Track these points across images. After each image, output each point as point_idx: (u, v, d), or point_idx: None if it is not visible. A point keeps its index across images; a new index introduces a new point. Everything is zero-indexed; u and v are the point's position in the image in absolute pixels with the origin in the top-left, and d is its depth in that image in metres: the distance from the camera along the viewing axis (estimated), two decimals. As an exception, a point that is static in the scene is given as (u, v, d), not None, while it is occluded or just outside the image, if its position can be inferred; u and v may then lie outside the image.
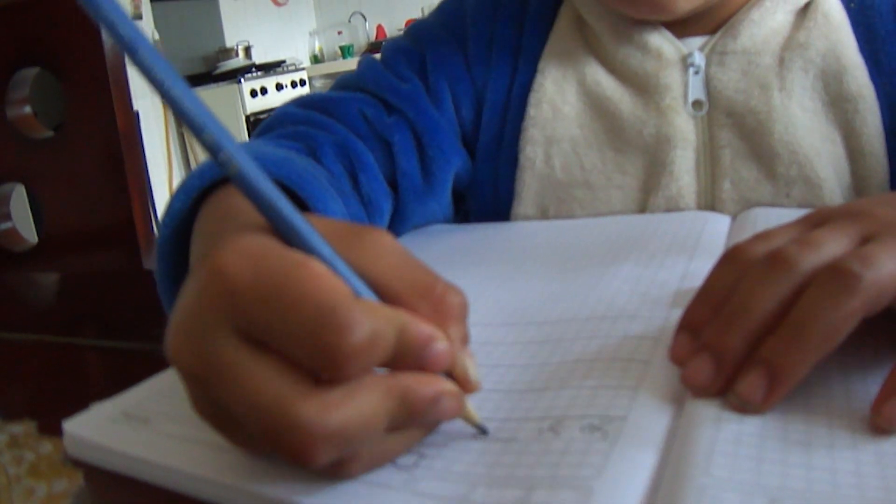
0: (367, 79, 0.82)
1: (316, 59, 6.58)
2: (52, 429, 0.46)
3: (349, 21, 6.58)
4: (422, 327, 0.34)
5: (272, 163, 0.56)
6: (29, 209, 1.35)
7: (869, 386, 0.36)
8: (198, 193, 0.52)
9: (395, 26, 6.31)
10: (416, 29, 0.90)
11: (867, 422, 0.34)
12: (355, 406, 0.31)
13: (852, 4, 0.75)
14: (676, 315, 0.43)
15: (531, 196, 0.81)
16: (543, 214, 0.81)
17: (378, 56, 0.88)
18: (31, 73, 1.21)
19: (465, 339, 0.37)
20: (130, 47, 0.32)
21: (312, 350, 0.31)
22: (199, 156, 5.24)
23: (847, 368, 0.38)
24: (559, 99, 0.80)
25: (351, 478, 0.35)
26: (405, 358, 0.34)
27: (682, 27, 0.78)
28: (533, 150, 0.80)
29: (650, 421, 0.36)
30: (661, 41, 0.77)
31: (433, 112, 0.81)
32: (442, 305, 0.36)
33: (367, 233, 0.37)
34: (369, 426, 0.32)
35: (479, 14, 0.87)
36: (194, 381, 0.34)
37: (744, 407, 0.36)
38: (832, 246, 0.39)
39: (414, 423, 0.35)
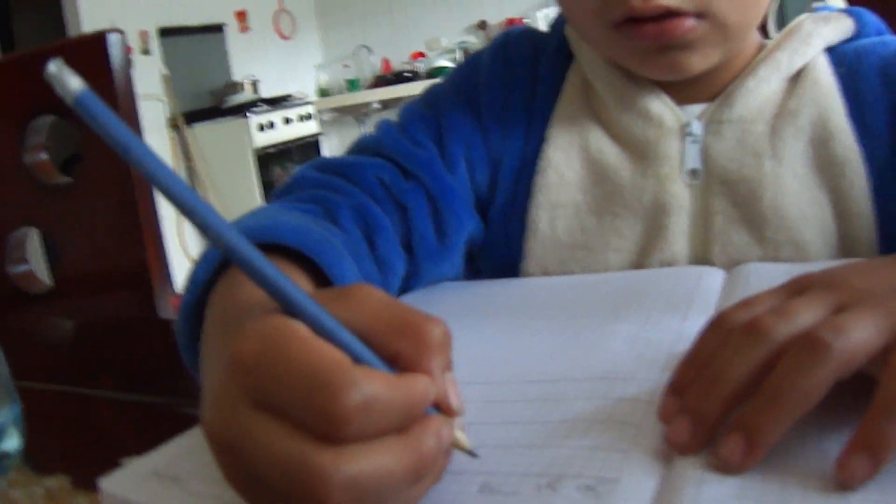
0: (384, 144, 0.85)
1: (323, 93, 6.63)
2: (85, 483, 0.48)
3: (355, 54, 6.63)
4: (420, 385, 0.38)
5: (289, 230, 0.59)
6: (44, 253, 1.38)
7: (841, 445, 0.38)
8: (219, 264, 0.56)
9: (400, 59, 6.36)
10: (431, 94, 0.93)
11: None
12: (371, 459, 0.35)
13: (841, 70, 0.80)
14: (667, 378, 0.47)
15: (536, 257, 0.84)
16: (545, 274, 0.84)
17: (395, 120, 0.91)
18: (47, 120, 1.24)
19: (447, 368, 0.41)
20: (124, 149, 0.36)
21: (312, 413, 0.35)
22: (214, 203, 5.27)
23: (821, 429, 0.41)
24: (564, 166, 0.84)
25: None
26: (414, 417, 0.37)
27: (683, 93, 0.82)
28: (538, 215, 0.84)
29: (640, 483, 0.40)
30: (663, 109, 0.81)
31: (448, 178, 0.84)
32: (422, 338, 0.40)
33: (351, 288, 0.42)
34: (390, 479, 0.36)
35: (493, 80, 0.90)
36: (223, 449, 0.38)
37: (724, 468, 0.39)
38: (806, 316, 0.42)
39: (426, 472, 0.38)
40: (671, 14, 0.72)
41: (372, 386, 0.35)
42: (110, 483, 0.48)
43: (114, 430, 0.70)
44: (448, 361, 0.41)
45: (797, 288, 0.46)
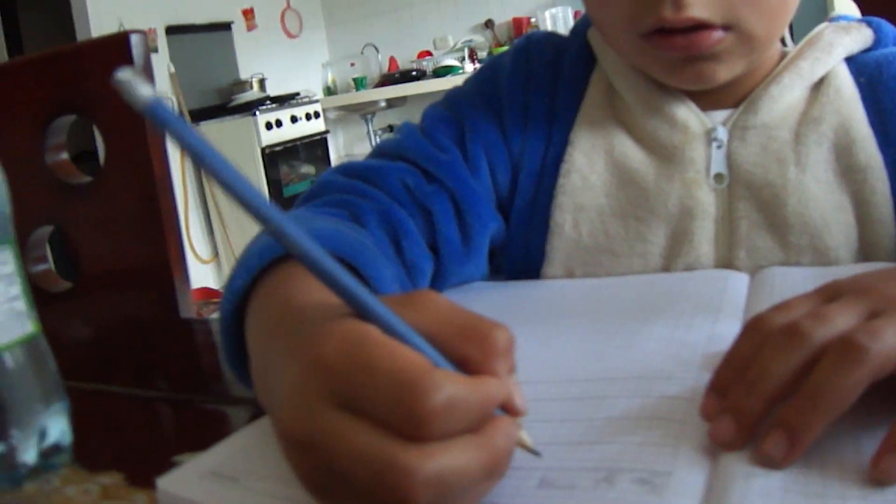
0: (407, 147, 0.87)
1: (329, 91, 6.63)
2: (140, 481, 0.49)
3: (362, 53, 6.63)
4: (495, 387, 0.40)
5: (324, 237, 0.61)
6: (61, 253, 1.39)
7: (875, 442, 0.41)
8: (257, 272, 0.58)
9: (407, 58, 6.36)
10: (453, 97, 0.95)
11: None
12: (452, 456, 0.37)
13: (862, 79, 0.82)
14: (706, 378, 0.49)
15: (559, 259, 0.86)
16: (569, 276, 0.86)
17: (417, 123, 0.92)
18: (68, 120, 1.25)
19: (511, 371, 0.43)
20: (198, 156, 0.37)
21: (399, 412, 0.37)
22: (220, 202, 5.28)
23: (857, 427, 0.43)
24: (588, 169, 0.85)
25: None
26: (488, 417, 0.39)
27: (707, 100, 0.83)
28: (562, 217, 0.85)
29: (691, 476, 0.42)
30: (688, 115, 0.83)
31: (471, 181, 0.86)
32: (488, 343, 0.41)
33: (417, 294, 0.44)
34: (466, 475, 0.37)
35: (514, 82, 0.92)
36: (304, 449, 0.39)
37: (767, 462, 0.41)
38: (842, 320, 0.45)
39: (497, 469, 0.40)
40: (700, 26, 0.73)
41: (454, 387, 0.37)
42: (167, 482, 0.49)
43: (152, 427, 0.71)
44: (512, 365, 0.43)
45: (830, 293, 0.49)
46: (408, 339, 0.40)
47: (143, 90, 0.36)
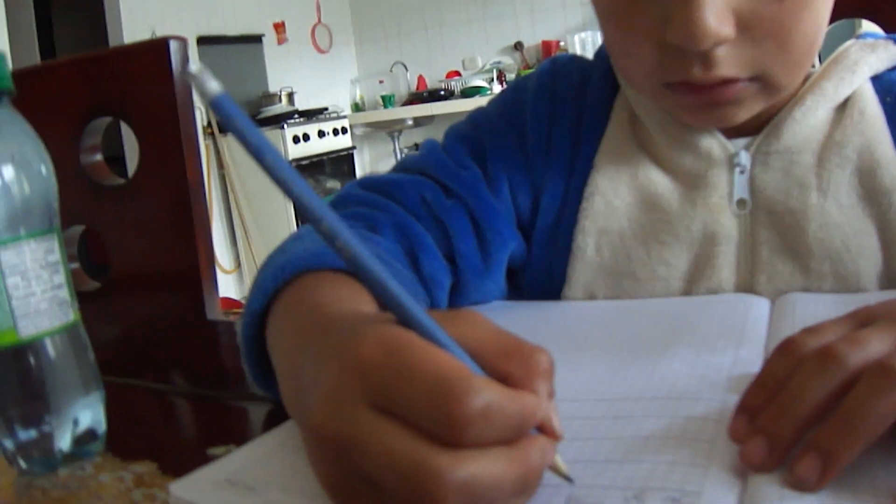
0: (428, 163, 0.88)
1: (357, 108, 6.67)
2: (173, 470, 0.50)
3: (391, 70, 6.67)
4: (532, 400, 0.40)
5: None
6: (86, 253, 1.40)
7: None
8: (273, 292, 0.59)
9: (435, 77, 6.39)
10: (477, 117, 0.95)
11: None
12: (483, 464, 0.37)
13: (888, 98, 0.81)
14: (733, 399, 0.49)
15: (580, 282, 0.86)
16: (590, 298, 0.86)
17: (440, 141, 0.94)
18: (104, 122, 1.27)
19: (551, 394, 0.43)
20: (258, 152, 0.38)
21: (436, 417, 0.37)
22: (245, 213, 5.30)
23: (889, 450, 0.43)
24: (611, 193, 0.85)
25: None
26: (524, 430, 0.40)
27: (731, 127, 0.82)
28: (584, 240, 0.86)
29: (721, 496, 0.42)
30: (711, 141, 0.82)
31: (490, 199, 0.87)
32: (530, 364, 0.41)
33: (462, 312, 0.44)
34: (496, 485, 0.37)
35: (538, 105, 0.92)
36: (335, 449, 0.40)
37: (801, 486, 0.41)
38: (877, 344, 0.45)
39: (528, 486, 0.40)
40: (727, 80, 0.73)
41: (492, 394, 0.37)
42: (180, 488, 0.49)
43: (182, 421, 0.72)
44: (552, 389, 0.43)
45: (862, 318, 0.49)
46: (449, 349, 0.41)
47: (212, 84, 0.38)
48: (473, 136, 0.92)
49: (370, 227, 0.77)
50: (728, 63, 0.71)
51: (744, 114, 0.77)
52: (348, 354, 0.40)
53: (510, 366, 0.41)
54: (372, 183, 0.86)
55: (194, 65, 0.37)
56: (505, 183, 0.89)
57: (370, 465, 0.38)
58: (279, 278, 0.58)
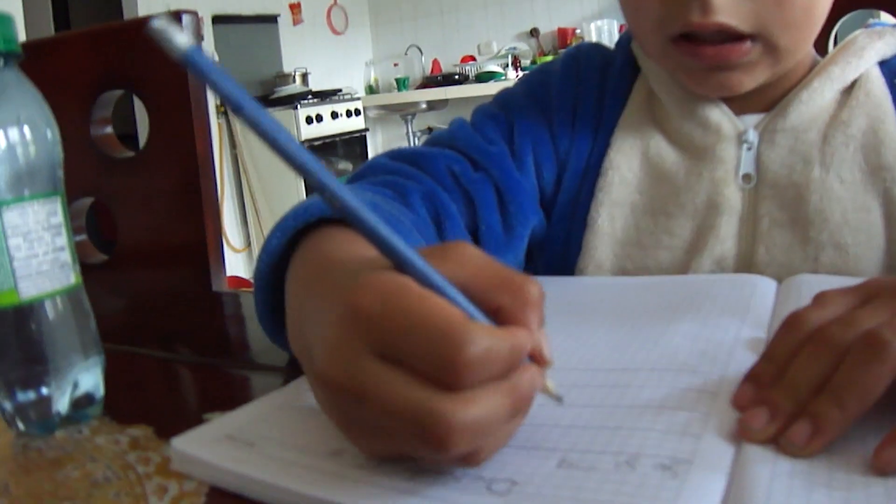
0: (457, 138, 0.90)
1: (371, 90, 6.67)
2: (168, 434, 0.50)
3: (406, 54, 6.66)
4: (522, 337, 0.41)
5: None
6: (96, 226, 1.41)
7: None
8: (293, 233, 0.59)
9: (450, 62, 6.38)
10: (503, 97, 0.98)
11: None
12: (485, 404, 0.38)
13: (895, 81, 0.83)
14: (732, 374, 0.51)
15: (591, 252, 0.88)
16: (599, 267, 0.88)
17: (468, 119, 0.96)
18: (114, 95, 1.27)
19: (541, 322, 0.44)
20: (236, 105, 0.38)
21: (437, 363, 0.38)
22: (256, 192, 5.31)
23: (881, 425, 0.43)
24: (625, 168, 0.88)
25: (478, 466, 0.42)
26: (515, 365, 0.41)
27: (740, 104, 0.85)
28: (598, 212, 0.88)
29: (713, 464, 0.42)
30: (721, 117, 0.85)
31: (516, 174, 0.89)
32: (521, 294, 0.42)
33: (452, 246, 0.45)
34: (497, 420, 0.39)
35: (564, 87, 0.95)
36: (343, 395, 0.41)
37: (789, 449, 0.42)
38: (872, 322, 0.45)
39: (520, 412, 0.42)
40: (728, 38, 0.76)
41: (489, 339, 0.38)
42: (182, 442, 0.50)
43: (181, 388, 0.73)
44: (542, 317, 0.44)
45: (868, 291, 0.50)
46: (443, 290, 0.41)
47: (179, 38, 0.35)
48: (501, 114, 0.94)
49: (400, 195, 0.78)
50: (726, 10, 0.74)
51: (748, 81, 0.79)
52: (347, 303, 0.40)
53: (502, 297, 0.42)
54: (401, 154, 0.88)
55: (157, 19, 0.34)
56: (531, 159, 0.91)
57: (378, 412, 0.39)
58: (300, 219, 0.59)
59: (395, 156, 0.87)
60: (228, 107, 0.37)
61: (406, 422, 0.38)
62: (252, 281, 0.64)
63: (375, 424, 0.40)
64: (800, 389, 0.45)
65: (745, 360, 0.53)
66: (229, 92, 0.37)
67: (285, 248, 0.59)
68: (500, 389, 0.39)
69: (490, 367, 0.39)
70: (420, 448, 0.39)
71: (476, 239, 0.84)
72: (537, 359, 0.43)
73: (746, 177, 0.83)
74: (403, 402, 0.38)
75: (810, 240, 0.80)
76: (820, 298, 0.51)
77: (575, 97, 0.94)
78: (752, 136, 0.83)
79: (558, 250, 0.91)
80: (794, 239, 0.80)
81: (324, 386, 0.42)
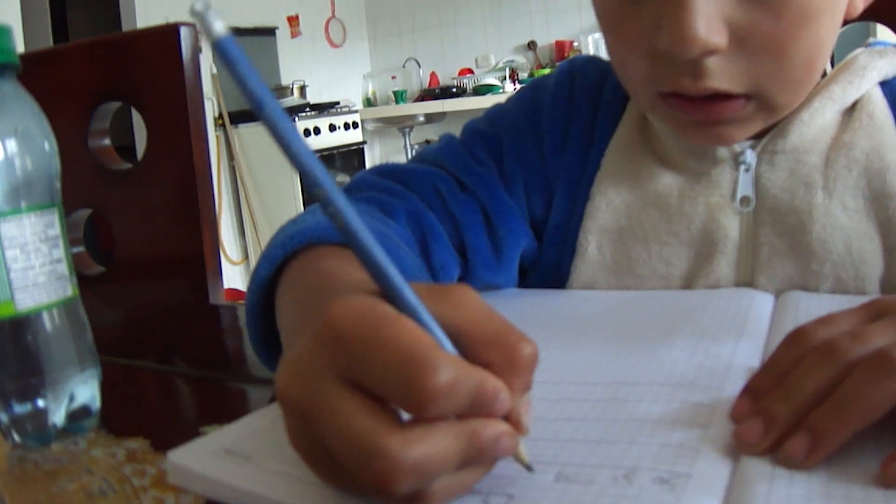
0: (445, 156, 0.89)
1: (369, 102, 6.67)
2: (165, 447, 0.50)
3: (403, 66, 6.67)
4: (492, 382, 0.39)
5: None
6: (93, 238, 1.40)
7: None
8: (280, 262, 0.59)
9: (448, 75, 6.39)
10: (495, 114, 0.95)
11: None
12: (432, 443, 0.37)
13: None
14: (730, 387, 0.50)
15: (583, 280, 0.86)
16: None
17: (457, 135, 0.94)
18: (112, 107, 1.27)
19: (526, 388, 0.42)
20: (258, 103, 0.37)
21: (401, 389, 0.37)
22: (254, 205, 5.31)
23: (882, 440, 0.43)
24: (613, 192, 0.85)
25: None
26: (477, 407, 0.39)
27: None
28: (587, 239, 0.86)
29: (712, 478, 0.42)
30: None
31: (505, 196, 0.87)
32: (513, 355, 0.40)
33: (453, 289, 0.43)
34: (443, 463, 0.37)
35: (556, 106, 0.92)
36: (297, 415, 0.40)
37: (787, 462, 0.42)
38: (879, 339, 0.45)
39: (479, 461, 0.40)
40: (720, 95, 0.72)
41: (455, 371, 0.37)
42: (178, 456, 0.49)
43: (178, 401, 0.73)
44: (529, 382, 0.42)
45: (875, 310, 0.49)
46: (427, 326, 0.40)
47: (217, 25, 0.36)
48: (491, 133, 0.92)
49: (384, 212, 0.77)
50: (719, 75, 0.70)
51: (739, 134, 0.76)
52: (319, 322, 0.39)
53: (491, 354, 0.40)
54: (387, 170, 0.87)
55: (199, 2, 0.35)
56: (520, 181, 0.89)
57: (326, 437, 0.38)
58: (288, 247, 0.59)
59: (382, 172, 0.86)
60: (250, 103, 0.37)
61: (351, 455, 0.37)
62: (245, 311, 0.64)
63: (326, 450, 0.39)
64: (798, 399, 0.44)
65: (743, 373, 0.53)
66: (254, 87, 0.37)
67: (274, 276, 0.59)
68: (453, 431, 0.38)
69: (452, 399, 0.37)
70: (363, 483, 0.37)
71: (464, 260, 0.83)
72: (514, 424, 0.41)
73: (745, 199, 0.80)
74: (349, 431, 0.37)
75: (811, 272, 0.77)
76: (825, 318, 0.50)
77: (567, 118, 0.92)
78: (750, 156, 0.80)
79: (549, 275, 0.90)
80: (796, 270, 0.78)
81: (280, 403, 0.41)
